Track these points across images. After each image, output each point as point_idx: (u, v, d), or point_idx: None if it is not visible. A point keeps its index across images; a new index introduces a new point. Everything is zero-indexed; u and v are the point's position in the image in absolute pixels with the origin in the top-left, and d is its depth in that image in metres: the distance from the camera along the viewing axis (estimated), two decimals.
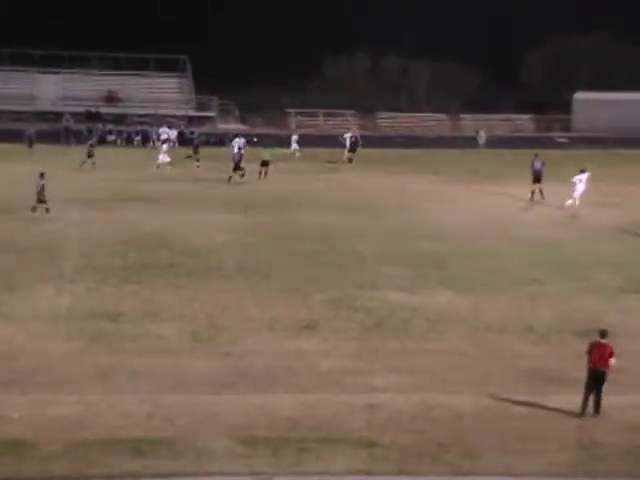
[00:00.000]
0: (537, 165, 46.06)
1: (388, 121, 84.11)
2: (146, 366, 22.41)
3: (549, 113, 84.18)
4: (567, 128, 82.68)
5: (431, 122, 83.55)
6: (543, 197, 45.13)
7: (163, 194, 46.73)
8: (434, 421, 19.57)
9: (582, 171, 43.17)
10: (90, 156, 55.03)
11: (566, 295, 28.98)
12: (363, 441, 18.51)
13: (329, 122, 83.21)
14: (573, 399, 20.47)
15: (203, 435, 18.71)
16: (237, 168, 51.09)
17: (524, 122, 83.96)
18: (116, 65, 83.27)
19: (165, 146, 56.97)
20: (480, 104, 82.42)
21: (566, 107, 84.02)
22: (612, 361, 20.01)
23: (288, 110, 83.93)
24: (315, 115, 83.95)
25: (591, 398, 19.92)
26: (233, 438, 18.57)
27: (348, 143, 60.96)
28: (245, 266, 32.16)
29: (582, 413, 19.84)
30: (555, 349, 24.16)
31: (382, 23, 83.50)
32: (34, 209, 39.70)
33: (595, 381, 19.90)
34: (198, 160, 57.03)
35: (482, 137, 69.12)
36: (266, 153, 52.99)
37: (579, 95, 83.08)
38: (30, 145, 62.28)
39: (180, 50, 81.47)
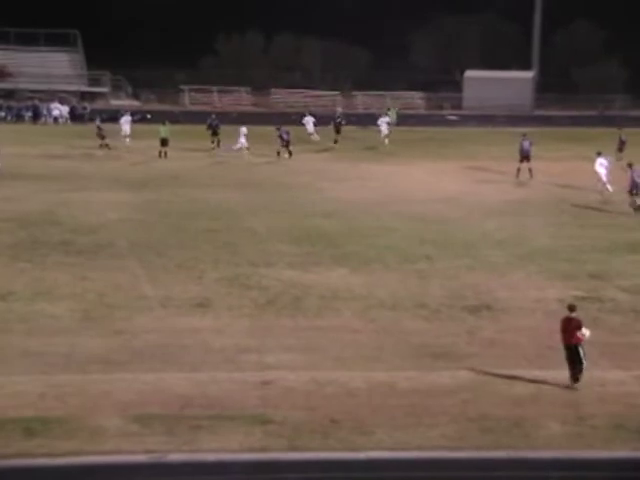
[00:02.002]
0: (525, 145, 46.23)
1: (282, 99, 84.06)
2: (37, 346, 22.16)
3: (440, 91, 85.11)
4: (458, 106, 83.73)
5: (325, 100, 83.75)
6: (531, 176, 45.13)
7: (54, 171, 46.13)
8: (326, 398, 19.77)
9: (599, 154, 42.47)
10: None
11: (455, 271, 29.48)
12: (257, 418, 18.62)
13: (223, 99, 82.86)
14: (462, 373, 20.94)
15: (96, 414, 18.62)
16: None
17: (415, 100, 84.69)
18: (5, 40, 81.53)
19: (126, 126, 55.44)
20: (372, 83, 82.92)
21: (457, 85, 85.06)
22: (583, 333, 20.15)
23: (181, 87, 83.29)
24: (209, 92, 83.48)
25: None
26: (126, 416, 18.52)
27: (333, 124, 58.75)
28: (137, 244, 31.97)
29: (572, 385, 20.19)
30: (446, 325, 24.58)
31: (273, 1, 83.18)
32: None
33: (569, 356, 20.20)
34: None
35: (393, 115, 67.71)
36: (164, 130, 52.26)
37: (469, 73, 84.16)
38: None
39: (70, 24, 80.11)
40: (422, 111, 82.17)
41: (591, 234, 34.63)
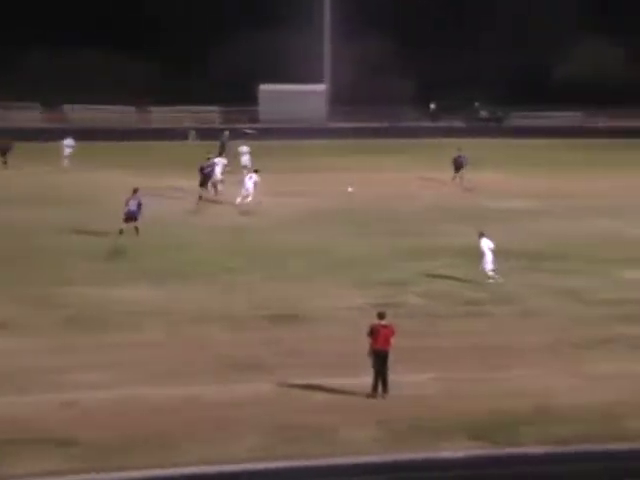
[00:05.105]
0: (460, 159, 49.31)
1: (74, 113, 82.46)
2: None
3: (237, 105, 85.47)
4: (255, 120, 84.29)
5: (116, 114, 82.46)
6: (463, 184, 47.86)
7: None
8: (131, 415, 19.66)
9: (255, 171, 43.73)
10: None
11: (260, 283, 29.81)
12: (59, 440, 18.32)
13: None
14: (266, 384, 21.23)
15: None
16: None
17: (212, 114, 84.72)
18: None
19: None
20: (167, 97, 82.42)
21: (254, 99, 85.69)
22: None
23: None
24: None
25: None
26: None
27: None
28: None
29: (373, 394, 20.56)
30: (250, 336, 24.80)
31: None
32: None
33: (380, 362, 20.56)
34: None
35: (193, 136, 66.95)
36: None
37: (264, 87, 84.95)
38: None
39: None
40: (218, 125, 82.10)
41: (383, 242, 35.50)
